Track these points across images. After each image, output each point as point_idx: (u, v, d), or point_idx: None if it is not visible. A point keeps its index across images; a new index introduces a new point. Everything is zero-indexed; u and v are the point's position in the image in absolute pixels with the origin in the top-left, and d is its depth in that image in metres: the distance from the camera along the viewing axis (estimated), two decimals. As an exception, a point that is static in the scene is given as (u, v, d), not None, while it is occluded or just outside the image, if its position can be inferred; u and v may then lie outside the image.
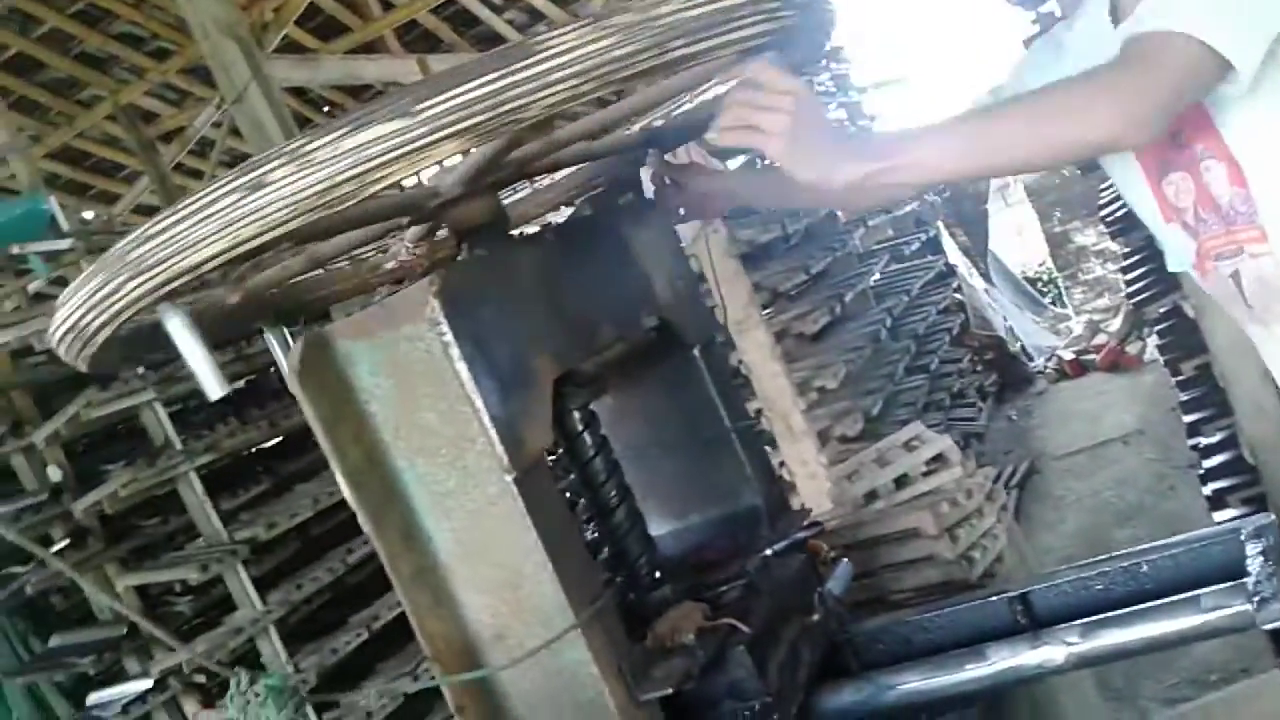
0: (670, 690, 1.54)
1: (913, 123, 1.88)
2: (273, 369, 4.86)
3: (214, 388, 1.33)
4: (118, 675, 4.05)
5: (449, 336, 1.46)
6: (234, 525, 4.10)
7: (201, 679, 4.00)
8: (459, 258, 1.70)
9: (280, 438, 4.94)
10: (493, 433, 1.48)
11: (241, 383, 5.05)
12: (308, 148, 1.11)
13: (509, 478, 1.50)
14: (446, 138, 1.10)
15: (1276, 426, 3.79)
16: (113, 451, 4.42)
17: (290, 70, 5.80)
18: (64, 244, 3.72)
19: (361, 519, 1.61)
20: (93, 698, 3.93)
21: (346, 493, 1.61)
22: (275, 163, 1.12)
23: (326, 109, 8.36)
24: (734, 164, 6.16)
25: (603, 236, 1.87)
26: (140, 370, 3.76)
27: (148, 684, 3.86)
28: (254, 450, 4.98)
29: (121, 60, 6.87)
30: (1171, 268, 3.67)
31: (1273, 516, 1.64)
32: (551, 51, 1.11)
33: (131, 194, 7.78)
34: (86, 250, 3.69)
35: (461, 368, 1.47)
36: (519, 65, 1.11)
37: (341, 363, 1.58)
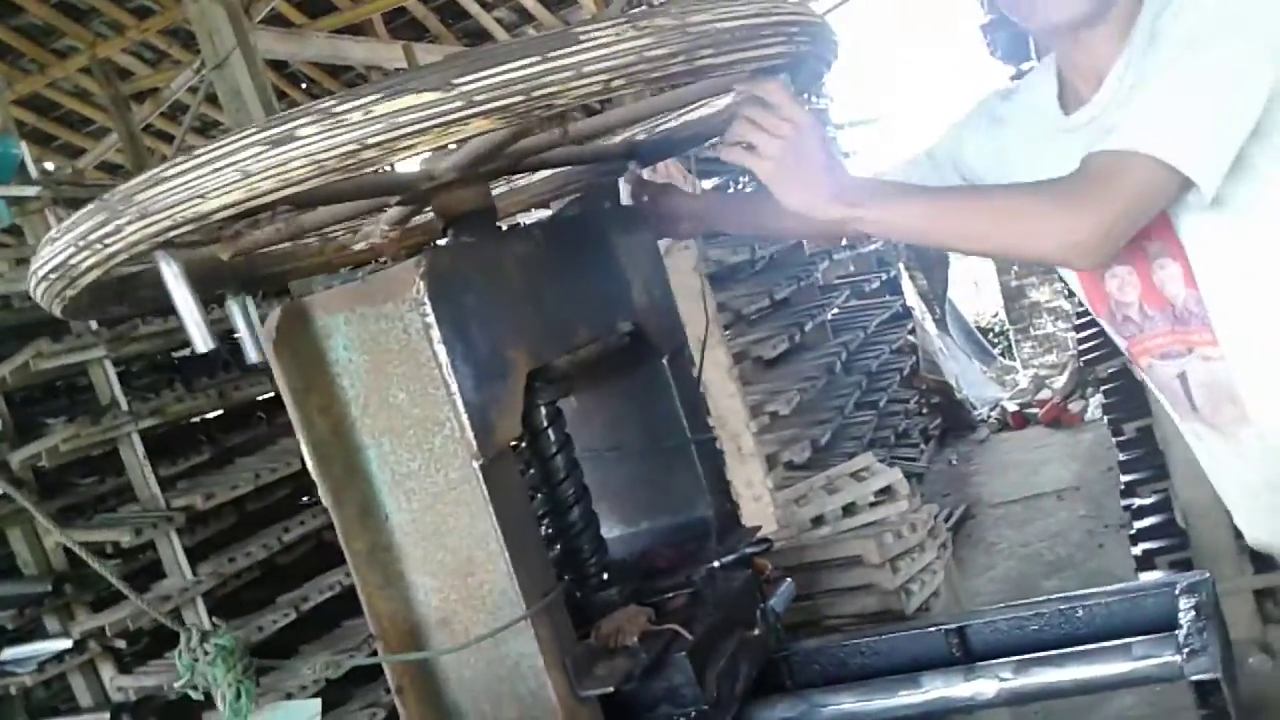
0: (611, 689, 1.56)
1: (889, 174, 1.91)
2: (225, 339, 4.82)
3: (201, 341, 1.33)
4: (35, 633, 3.98)
5: (430, 318, 1.47)
6: (171, 492, 4.05)
7: (121, 644, 3.94)
8: (445, 243, 1.72)
9: (225, 409, 4.89)
10: (464, 417, 1.50)
11: (189, 351, 4.99)
12: (339, 108, 1.11)
13: (475, 464, 1.51)
14: (479, 115, 1.11)
15: (1211, 493, 3.88)
16: (52, 406, 4.35)
17: (275, 43, 5.77)
18: (30, 191, 3.66)
19: (321, 491, 1.61)
20: (7, 653, 3.86)
21: (309, 464, 1.61)
22: (304, 119, 1.12)
23: (305, 85, 8.30)
24: (708, 184, 6.22)
25: (587, 238, 1.89)
26: (94, 326, 3.71)
27: (66, 644, 3.80)
28: (199, 419, 4.93)
29: (102, 13, 6.76)
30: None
31: (1207, 574, 1.70)
32: (592, 43, 1.13)
33: (98, 150, 7.66)
34: (52, 200, 3.64)
35: (440, 350, 1.48)
36: (559, 53, 1.12)
37: (318, 334, 1.58)
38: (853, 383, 6.45)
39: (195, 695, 1.33)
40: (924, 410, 8.31)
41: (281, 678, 3.78)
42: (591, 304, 1.85)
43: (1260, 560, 4.02)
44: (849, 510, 2.92)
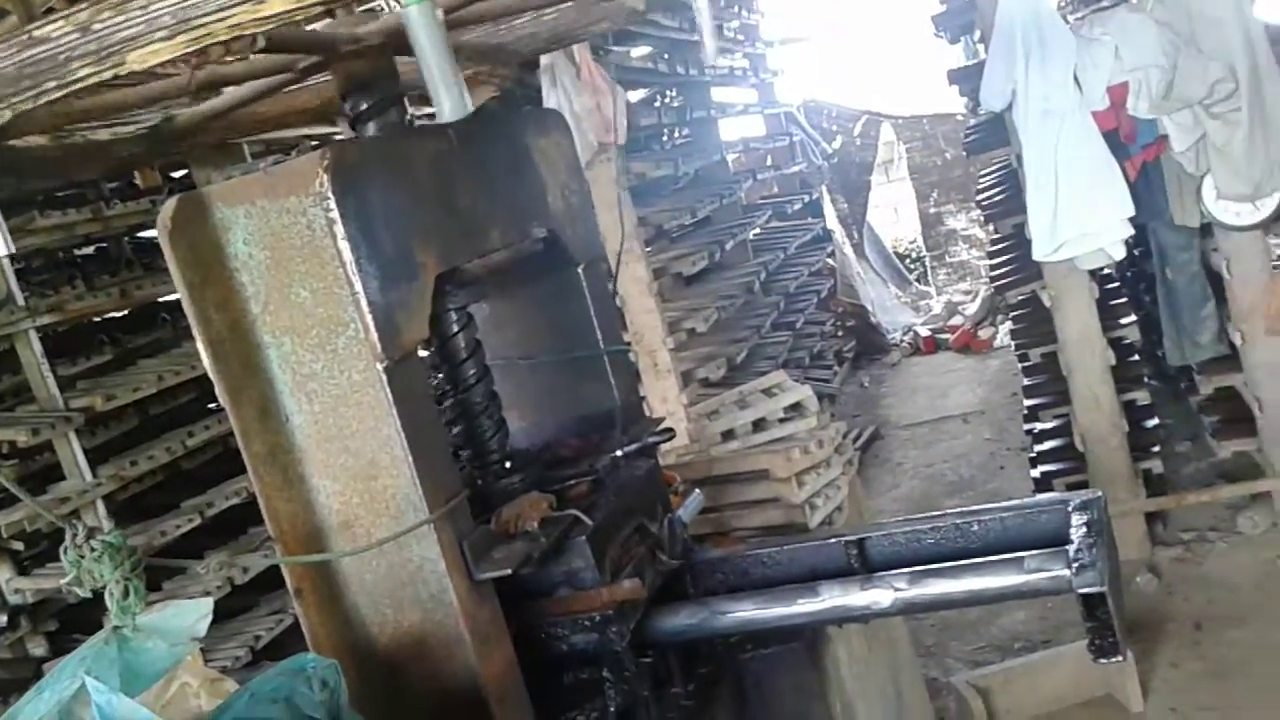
0: (508, 571, 1.56)
1: None
2: (127, 237, 4.64)
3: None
4: (-74, 535, 3.86)
5: (335, 213, 1.43)
6: (70, 393, 3.92)
7: (18, 546, 3.84)
8: (351, 137, 1.66)
9: (129, 309, 4.73)
10: (369, 318, 1.46)
11: (91, 249, 4.80)
12: None
13: (379, 365, 1.48)
14: None
15: (1109, 420, 4.02)
16: (-56, 302, 4.17)
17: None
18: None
19: (219, 391, 1.57)
20: (-103, 554, 3.74)
21: (206, 362, 1.56)
22: None
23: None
24: (635, 96, 6.12)
25: (503, 139, 1.84)
26: (-15, 217, 3.54)
27: (-41, 546, 3.69)
28: (100, 318, 4.76)
29: (-5, -116, 6.34)
30: (1036, 256, 3.83)
31: (1099, 493, 1.75)
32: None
33: (-9, 31, 7.25)
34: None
35: (344, 247, 1.44)
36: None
37: (216, 227, 1.52)
38: (770, 303, 6.48)
39: (82, 593, 1.30)
40: (839, 333, 8.42)
41: (184, 583, 3.73)
42: (506, 207, 1.81)
43: (1152, 484, 4.19)
44: (759, 426, 2.95)
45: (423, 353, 1.72)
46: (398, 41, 1.59)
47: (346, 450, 1.57)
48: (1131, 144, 3.66)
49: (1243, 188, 3.51)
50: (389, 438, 1.53)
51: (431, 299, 1.59)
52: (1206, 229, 3.82)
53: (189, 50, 1.19)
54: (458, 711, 1.58)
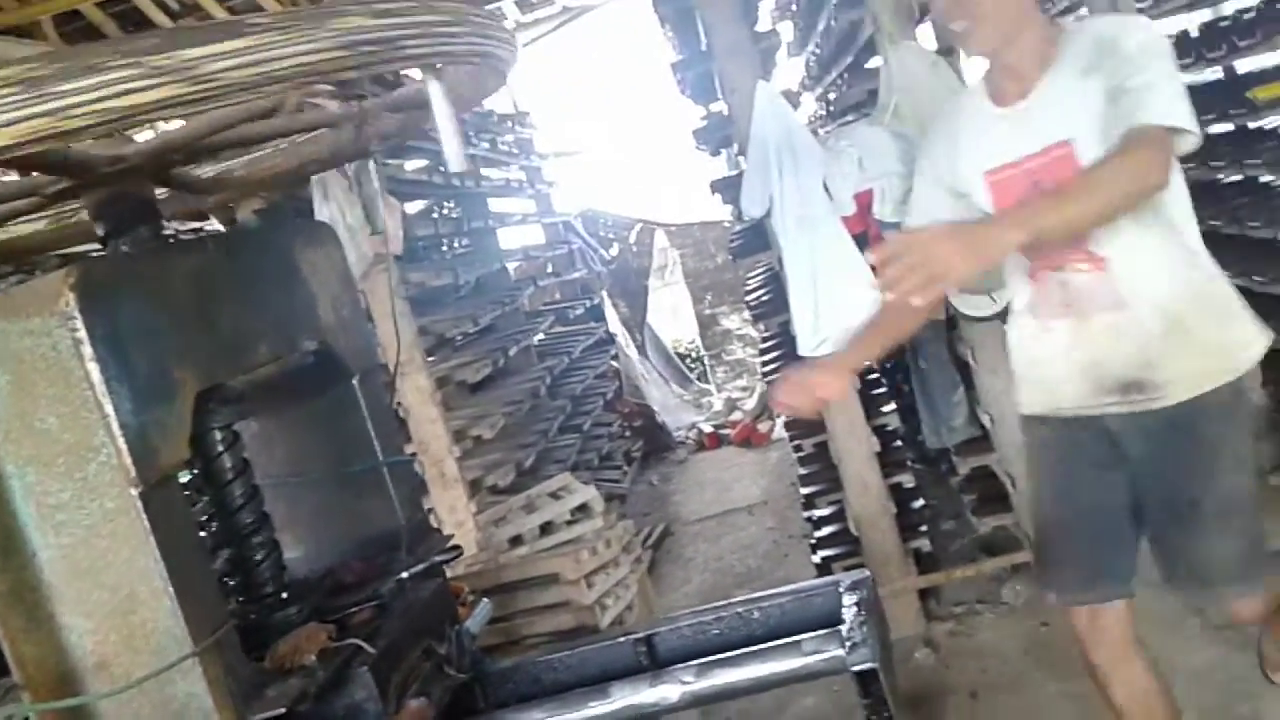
0: (283, 710, 1.49)
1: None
2: None
3: None
4: None
5: (82, 333, 1.36)
6: None
7: None
8: (102, 253, 1.60)
9: None
10: (121, 442, 1.39)
11: None
12: None
13: (134, 491, 1.40)
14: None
15: (878, 503, 4.23)
16: None
17: (-81, 37, 5.16)
18: None
19: (-48, 528, 1.45)
20: None
21: (-64, 498, 1.44)
22: None
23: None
24: (411, 207, 6.12)
25: (268, 252, 1.81)
26: None
27: None
28: None
29: None
30: (802, 351, 4.03)
31: (868, 573, 1.83)
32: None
33: None
34: None
35: (93, 368, 1.37)
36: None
37: (-51, 352, 1.42)
38: (557, 407, 6.52)
39: None
40: (627, 433, 8.54)
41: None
42: (272, 321, 1.77)
43: (923, 562, 4.41)
44: (546, 529, 2.95)
45: (185, 476, 1.64)
46: (156, 164, 1.56)
47: (100, 584, 1.47)
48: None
49: (979, 283, 3.83)
50: (147, 568, 1.44)
51: (192, 418, 1.53)
52: (952, 321, 4.13)
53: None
54: None
